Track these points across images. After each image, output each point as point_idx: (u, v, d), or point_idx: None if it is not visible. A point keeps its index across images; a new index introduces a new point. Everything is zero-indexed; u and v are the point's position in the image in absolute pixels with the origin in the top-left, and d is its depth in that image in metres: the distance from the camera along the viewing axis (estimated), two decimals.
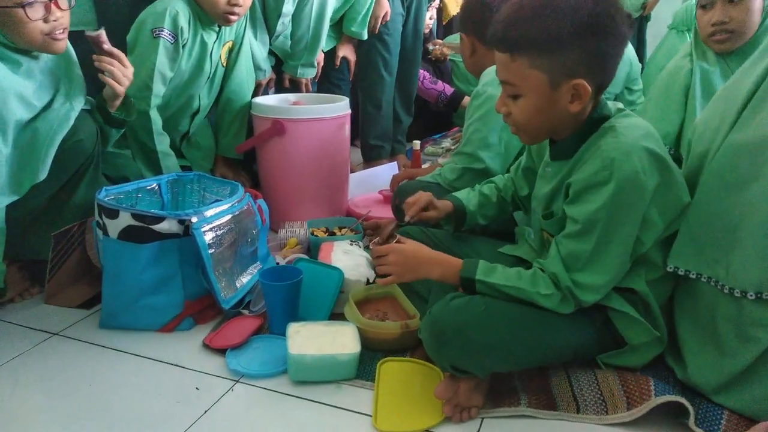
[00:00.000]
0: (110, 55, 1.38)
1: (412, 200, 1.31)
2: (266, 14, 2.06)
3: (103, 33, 1.36)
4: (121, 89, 1.41)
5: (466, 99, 2.99)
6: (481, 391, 1.05)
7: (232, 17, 1.72)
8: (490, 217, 1.35)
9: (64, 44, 1.34)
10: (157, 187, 1.52)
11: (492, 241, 1.37)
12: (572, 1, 0.94)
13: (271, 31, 2.10)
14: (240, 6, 1.70)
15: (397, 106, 2.71)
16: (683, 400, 0.99)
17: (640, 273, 1.05)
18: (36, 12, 1.25)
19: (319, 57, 2.35)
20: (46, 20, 1.27)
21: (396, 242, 1.17)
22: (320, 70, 2.39)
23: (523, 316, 1.01)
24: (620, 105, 1.07)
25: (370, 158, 2.65)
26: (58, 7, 1.29)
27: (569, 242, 1.00)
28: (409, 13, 2.56)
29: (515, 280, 1.02)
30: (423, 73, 2.86)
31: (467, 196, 1.34)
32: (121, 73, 1.39)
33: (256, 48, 2.05)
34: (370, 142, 2.61)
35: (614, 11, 0.95)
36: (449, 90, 2.96)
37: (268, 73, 2.19)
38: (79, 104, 1.38)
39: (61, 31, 1.31)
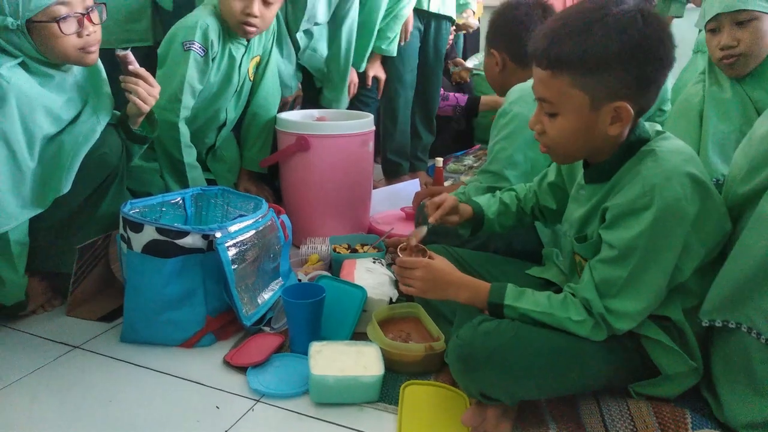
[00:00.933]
0: (136, 75, 1.38)
1: (438, 200, 1.25)
2: (290, 29, 2.07)
3: (130, 53, 1.37)
4: (146, 108, 1.41)
5: (483, 99, 2.99)
6: (509, 419, 1.02)
7: (249, 28, 1.71)
8: (507, 227, 1.31)
9: (96, 57, 1.35)
10: (181, 201, 1.52)
11: (519, 262, 1.34)
12: (622, 20, 0.91)
13: (296, 46, 2.11)
14: (256, 17, 1.69)
15: (417, 122, 2.71)
16: None
17: (677, 301, 1.01)
18: (70, 27, 1.26)
19: (353, 77, 2.37)
20: (79, 35, 1.28)
21: (427, 257, 1.14)
22: (354, 88, 2.40)
23: (555, 342, 0.97)
24: (658, 127, 1.04)
25: (389, 174, 2.66)
26: (91, 22, 1.30)
27: (604, 268, 0.97)
28: (428, 29, 2.56)
29: (545, 305, 0.99)
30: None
31: (487, 203, 1.31)
32: (146, 92, 1.40)
33: (281, 64, 2.06)
34: (388, 156, 2.63)
35: (663, 35, 0.92)
36: (462, 98, 2.94)
37: (295, 90, 2.19)
38: (105, 118, 1.39)
39: (94, 45, 1.32)
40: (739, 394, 0.98)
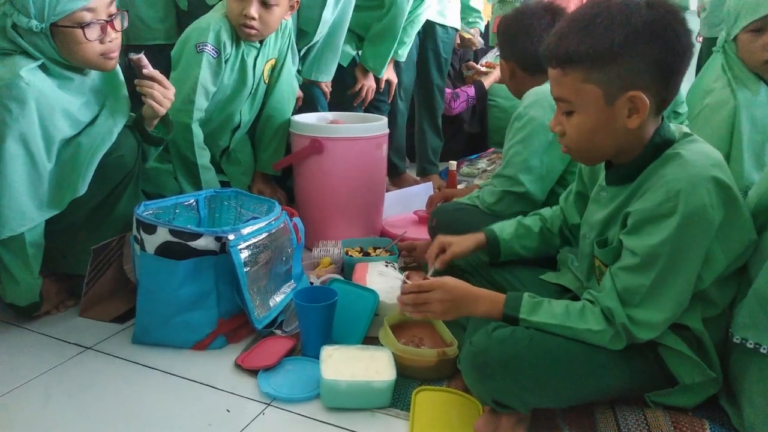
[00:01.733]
0: (151, 78, 1.39)
1: (428, 255, 1.26)
2: (299, 24, 2.07)
3: (143, 57, 1.38)
4: (162, 111, 1.42)
5: (486, 81, 2.97)
6: (524, 428, 1.00)
7: (248, 30, 1.70)
8: (532, 249, 1.29)
9: (115, 63, 1.37)
10: (194, 203, 1.52)
11: (533, 268, 1.32)
12: (626, 9, 0.90)
13: (305, 41, 2.10)
14: (253, 19, 1.68)
15: (424, 127, 2.74)
16: None
17: (696, 310, 0.98)
18: (93, 32, 1.27)
19: (371, 81, 2.37)
20: (101, 41, 1.29)
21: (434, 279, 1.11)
22: (371, 94, 2.40)
23: (571, 350, 0.96)
24: (686, 129, 1.01)
25: (389, 174, 2.69)
26: (114, 29, 1.32)
27: (626, 276, 0.95)
28: (427, 35, 2.58)
29: (562, 317, 0.97)
30: (445, 91, 2.85)
31: (501, 226, 1.30)
32: (161, 95, 1.40)
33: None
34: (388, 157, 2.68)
35: (671, 19, 0.90)
36: (471, 91, 2.94)
37: (296, 90, 2.19)
38: (122, 121, 1.40)
39: (115, 51, 1.33)
40: (758, 408, 0.96)
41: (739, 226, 0.96)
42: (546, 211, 1.31)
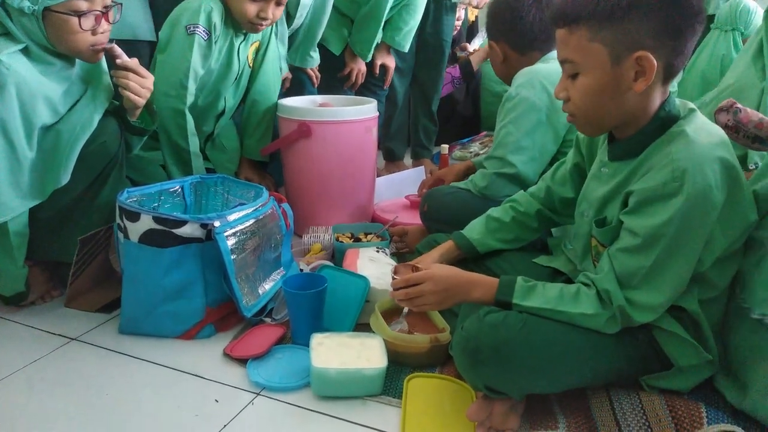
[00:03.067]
0: (125, 68, 1.33)
1: (396, 282, 1.12)
2: (287, 10, 2.03)
3: (116, 46, 1.33)
4: (140, 101, 1.37)
5: (472, 58, 2.95)
6: (517, 414, 0.99)
7: (260, 27, 1.71)
8: (510, 240, 1.26)
9: (101, 56, 1.34)
10: (180, 190, 1.48)
11: (525, 252, 1.29)
12: None
13: (290, 24, 2.07)
14: (268, 19, 1.69)
15: (418, 112, 2.71)
16: (739, 430, 0.91)
17: (693, 292, 0.97)
18: (88, 22, 1.24)
19: (360, 65, 2.34)
20: (93, 32, 1.27)
21: (424, 269, 1.08)
22: (361, 78, 2.38)
23: (564, 335, 0.94)
24: (690, 105, 0.98)
25: (387, 158, 2.75)
26: (107, 21, 1.29)
27: (626, 257, 0.92)
28: (426, 18, 2.51)
29: (556, 301, 0.95)
30: None
31: (470, 227, 1.27)
32: (138, 84, 1.35)
33: (279, 47, 2.02)
34: (386, 142, 2.70)
35: None
36: (456, 71, 2.90)
37: (285, 71, 2.15)
38: (102, 107, 1.36)
39: (103, 43, 1.31)
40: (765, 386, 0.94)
41: (740, 207, 0.94)
42: (519, 195, 1.28)
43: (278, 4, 1.69)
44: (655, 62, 0.88)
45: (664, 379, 1.01)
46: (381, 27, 2.26)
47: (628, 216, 0.93)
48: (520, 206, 1.26)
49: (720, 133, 0.94)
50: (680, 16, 0.88)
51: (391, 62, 2.45)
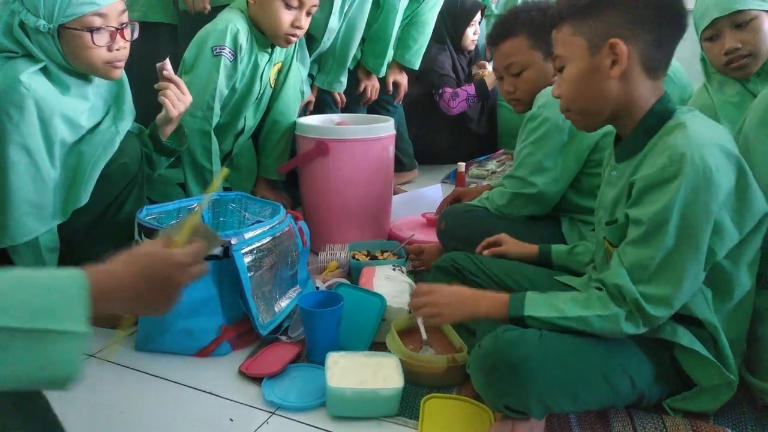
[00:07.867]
0: (170, 80, 1.40)
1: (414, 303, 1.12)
2: (309, 29, 2.06)
3: (167, 62, 1.40)
4: (174, 112, 1.41)
5: (487, 78, 2.94)
6: None
7: (293, 38, 1.73)
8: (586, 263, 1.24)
9: (120, 72, 1.36)
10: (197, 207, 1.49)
11: (547, 270, 1.27)
12: None
13: (315, 47, 2.09)
14: (302, 29, 1.71)
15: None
16: None
17: (707, 297, 0.95)
18: (102, 38, 1.26)
19: (374, 81, 2.35)
20: (109, 48, 1.28)
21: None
22: (375, 93, 2.39)
23: (584, 349, 0.92)
24: (694, 109, 0.99)
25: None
26: (123, 38, 1.30)
27: (633, 250, 0.91)
28: None
29: (569, 307, 0.93)
30: (446, 91, 2.80)
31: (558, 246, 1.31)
32: (176, 96, 1.40)
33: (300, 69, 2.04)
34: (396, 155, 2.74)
35: None
36: (471, 89, 2.88)
37: (307, 95, 2.17)
38: (124, 128, 1.39)
39: (121, 60, 1.32)
40: None
41: (750, 197, 0.91)
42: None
43: (308, 13, 1.72)
44: (625, 48, 0.92)
45: (687, 401, 0.99)
46: (392, 42, 2.28)
47: (631, 207, 0.93)
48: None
49: (723, 130, 0.95)
50: (654, 8, 0.93)
51: (403, 79, 2.47)
